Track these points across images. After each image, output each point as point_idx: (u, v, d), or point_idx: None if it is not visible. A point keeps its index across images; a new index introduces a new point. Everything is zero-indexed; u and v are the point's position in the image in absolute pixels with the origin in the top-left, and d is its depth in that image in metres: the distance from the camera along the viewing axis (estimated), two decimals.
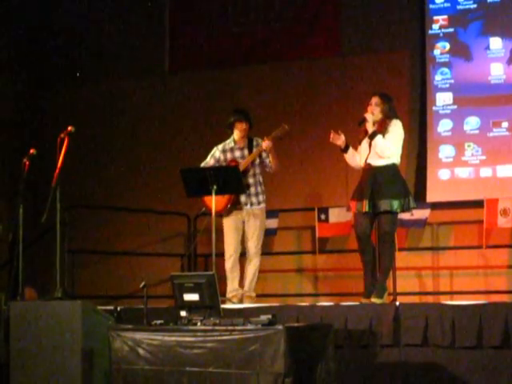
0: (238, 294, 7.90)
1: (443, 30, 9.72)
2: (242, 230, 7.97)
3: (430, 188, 9.53)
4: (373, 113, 7.27)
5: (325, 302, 8.25)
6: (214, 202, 7.49)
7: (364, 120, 7.27)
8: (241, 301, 7.86)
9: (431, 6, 9.77)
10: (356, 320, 6.67)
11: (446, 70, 9.67)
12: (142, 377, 5.95)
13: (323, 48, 10.32)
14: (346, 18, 10.20)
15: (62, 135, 7.16)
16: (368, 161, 7.27)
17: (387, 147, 7.16)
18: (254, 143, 7.97)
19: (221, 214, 7.91)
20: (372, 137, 7.20)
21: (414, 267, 9.56)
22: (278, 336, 5.46)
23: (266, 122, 8.88)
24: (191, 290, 5.96)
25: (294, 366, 5.47)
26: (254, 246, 7.90)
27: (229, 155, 8.06)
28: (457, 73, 9.61)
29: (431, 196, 9.48)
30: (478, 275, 9.37)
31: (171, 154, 10.70)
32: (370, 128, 7.24)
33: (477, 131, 9.48)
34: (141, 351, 5.96)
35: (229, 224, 7.95)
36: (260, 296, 8.46)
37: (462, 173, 9.50)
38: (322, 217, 9.56)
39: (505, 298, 8.85)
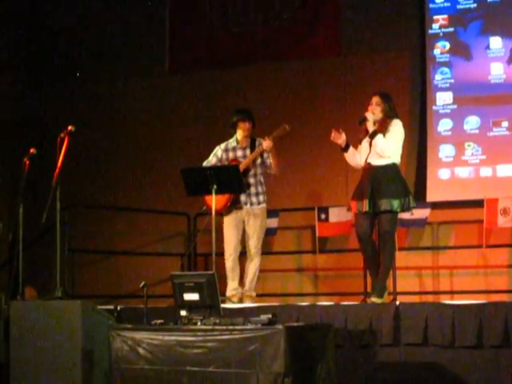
0: (237, 293, 7.91)
1: (443, 30, 9.71)
2: (241, 228, 7.97)
3: (430, 187, 9.53)
4: (373, 112, 7.26)
5: (325, 302, 8.24)
6: (215, 201, 7.50)
7: (364, 119, 7.26)
8: (241, 300, 7.87)
9: (431, 6, 9.77)
10: (356, 320, 6.67)
11: (446, 69, 9.67)
12: (142, 376, 5.95)
13: (323, 48, 10.32)
14: (346, 18, 10.19)
15: (62, 135, 7.16)
16: (368, 160, 7.26)
17: (387, 147, 7.16)
18: (257, 143, 7.97)
19: (221, 213, 7.92)
20: (372, 136, 7.20)
21: (414, 267, 9.55)
22: (277, 336, 5.47)
23: (266, 121, 8.86)
24: (191, 290, 5.96)
25: (294, 366, 5.47)
26: (254, 245, 7.90)
27: (231, 154, 8.06)
28: (457, 72, 9.61)
29: (431, 195, 9.47)
30: (478, 275, 9.36)
31: (171, 153, 10.70)
32: (371, 127, 7.23)
33: (477, 131, 9.47)
34: (141, 351, 5.96)
35: (229, 222, 7.95)
36: (260, 295, 8.47)
37: (462, 172, 9.50)
38: (322, 216, 9.55)
39: (505, 298, 8.85)
